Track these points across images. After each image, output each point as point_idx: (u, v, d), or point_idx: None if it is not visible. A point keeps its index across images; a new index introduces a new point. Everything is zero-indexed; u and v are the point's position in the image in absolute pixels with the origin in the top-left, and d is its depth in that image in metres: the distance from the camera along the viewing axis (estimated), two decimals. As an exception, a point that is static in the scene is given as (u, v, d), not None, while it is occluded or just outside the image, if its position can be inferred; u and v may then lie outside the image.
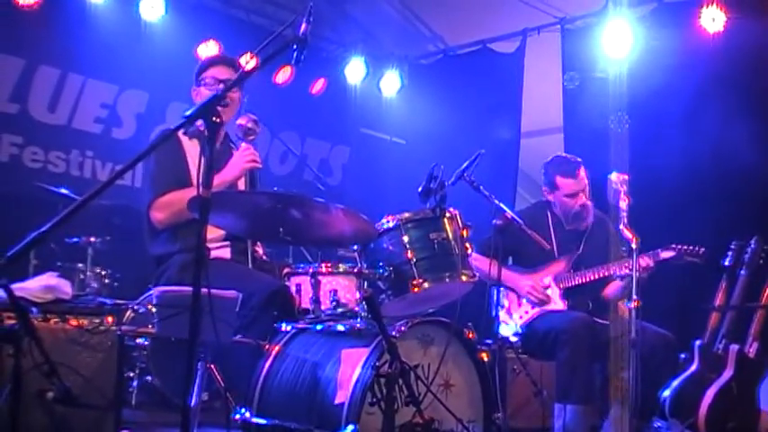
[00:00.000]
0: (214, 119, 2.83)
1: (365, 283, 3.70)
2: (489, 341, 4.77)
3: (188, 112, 2.82)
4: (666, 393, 5.06)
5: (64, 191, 6.01)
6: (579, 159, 5.47)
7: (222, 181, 4.22)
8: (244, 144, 4.32)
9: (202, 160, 2.81)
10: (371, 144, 9.29)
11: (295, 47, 3.14)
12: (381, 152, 9.17)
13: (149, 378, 5.03)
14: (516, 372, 5.71)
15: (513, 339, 5.34)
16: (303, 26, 3.15)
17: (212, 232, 4.30)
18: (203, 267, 2.77)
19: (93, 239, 5.92)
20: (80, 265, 6.03)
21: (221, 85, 4.40)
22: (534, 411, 5.74)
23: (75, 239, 5.96)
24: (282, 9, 8.33)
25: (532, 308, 5.34)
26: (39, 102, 7.18)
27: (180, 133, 4.38)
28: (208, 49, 7.60)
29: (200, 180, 2.83)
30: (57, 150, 7.25)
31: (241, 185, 4.42)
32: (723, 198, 6.14)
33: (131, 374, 5.54)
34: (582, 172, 5.42)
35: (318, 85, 8.58)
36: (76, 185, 6.75)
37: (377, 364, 2.97)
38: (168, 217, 4.23)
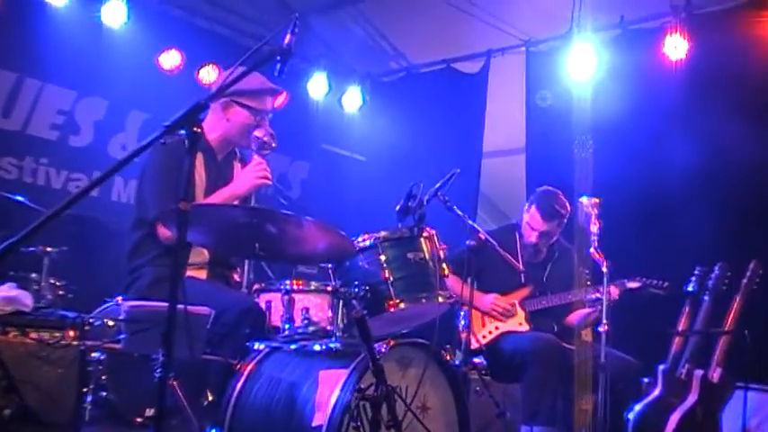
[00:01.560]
0: (195, 129, 2.74)
1: (340, 302, 3.61)
2: (457, 362, 4.72)
3: (168, 122, 2.72)
4: (631, 416, 5.06)
5: (20, 198, 5.81)
6: (564, 212, 5.47)
7: (231, 194, 4.09)
8: (256, 157, 4.19)
9: (183, 172, 2.70)
10: (332, 160, 9.20)
11: (279, 58, 3.06)
12: (341, 168, 9.09)
13: (104, 393, 4.88)
14: (479, 393, 5.65)
15: (477, 360, 5.29)
16: (288, 37, 3.08)
17: (196, 255, 4.16)
18: (180, 282, 2.67)
19: (49, 249, 5.72)
20: (33, 275, 5.81)
21: (265, 120, 4.30)
22: (496, 434, 5.70)
23: (31, 249, 5.75)
24: (246, 20, 8.23)
25: (495, 328, 5.30)
26: (-7, 106, 6.98)
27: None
28: (170, 59, 7.48)
29: (181, 192, 2.73)
30: (9, 156, 7.03)
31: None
32: (688, 222, 6.18)
33: (85, 389, 5.38)
34: (555, 223, 5.43)
35: (280, 99, 8.45)
36: (29, 193, 6.54)
37: (361, 386, 2.87)
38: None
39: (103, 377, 4.89)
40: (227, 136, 4.34)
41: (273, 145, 4.15)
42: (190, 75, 7.59)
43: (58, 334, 3.60)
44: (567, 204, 5.48)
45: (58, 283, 5.84)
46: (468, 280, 4.48)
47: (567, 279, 5.30)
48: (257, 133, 4.12)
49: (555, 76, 7.32)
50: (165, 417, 2.72)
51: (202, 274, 4.16)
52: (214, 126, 4.35)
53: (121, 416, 4.87)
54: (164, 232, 4.03)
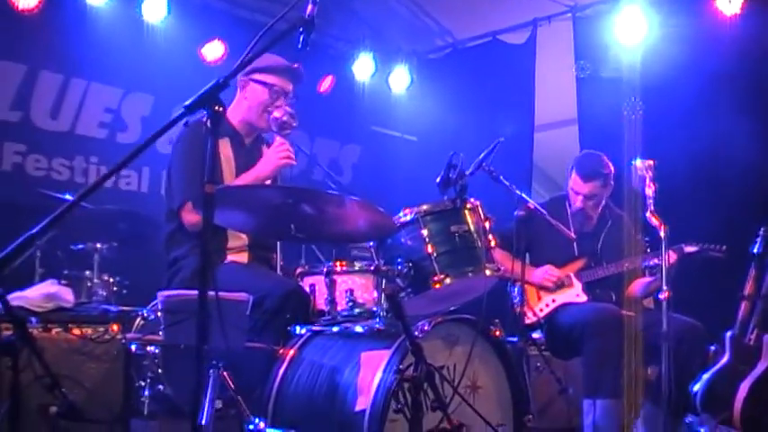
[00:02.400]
0: (217, 108, 2.65)
1: (383, 281, 3.49)
2: (514, 338, 4.58)
3: (188, 102, 2.63)
4: (697, 387, 4.86)
5: (68, 197, 5.83)
6: (606, 171, 5.28)
7: (255, 177, 4.03)
8: (278, 138, 4.12)
9: (207, 153, 2.61)
10: (382, 142, 9.09)
11: (301, 29, 2.95)
12: (392, 150, 8.97)
13: (161, 387, 4.86)
14: (540, 369, 5.51)
15: (536, 335, 5.14)
16: (309, 7, 2.97)
17: (235, 240, 4.11)
18: (210, 269, 2.58)
19: (98, 246, 5.73)
20: (87, 272, 5.85)
21: (282, 99, 4.22)
22: (559, 410, 5.55)
23: (80, 246, 5.78)
24: (287, 7, 8.15)
25: (552, 301, 5.14)
26: (41, 108, 7.00)
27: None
28: (213, 50, 7.44)
29: (207, 175, 2.64)
30: (60, 157, 7.08)
31: None
32: (748, 184, 5.94)
33: (143, 383, 5.38)
34: (597, 183, 5.23)
35: (326, 84, 8.40)
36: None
37: (400, 367, 2.75)
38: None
39: (159, 370, 4.92)
40: (247, 117, 4.28)
41: (294, 124, 4.08)
42: (234, 65, 7.54)
43: (101, 328, 3.56)
44: (610, 165, 5.30)
45: (111, 280, 5.86)
46: (520, 251, 4.31)
47: (621, 247, 5.10)
48: (276, 113, 4.04)
49: (603, 42, 7.09)
50: (203, 408, 2.63)
51: (244, 258, 4.10)
52: (236, 109, 4.32)
53: (179, 409, 4.88)
54: (189, 219, 4.01)
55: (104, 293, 5.76)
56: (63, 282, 5.64)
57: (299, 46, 3.01)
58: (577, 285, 5.16)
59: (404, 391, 2.74)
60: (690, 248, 5.12)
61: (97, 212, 5.71)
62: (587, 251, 5.23)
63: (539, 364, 5.47)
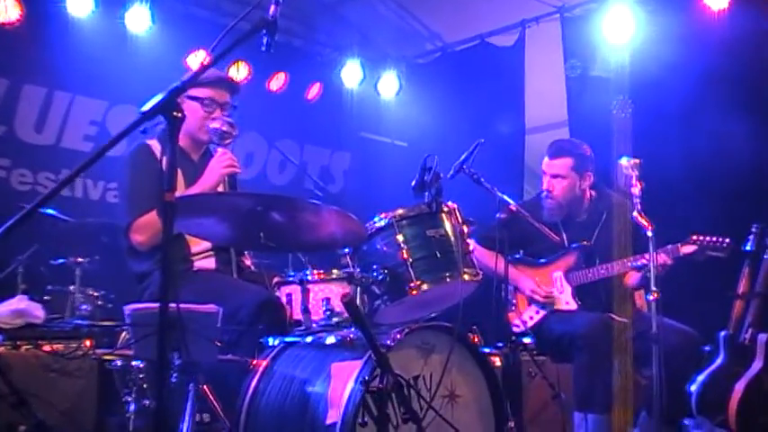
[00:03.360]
0: (175, 114, 2.56)
1: (357, 289, 3.39)
2: (501, 344, 4.49)
3: (145, 107, 2.55)
4: (693, 389, 4.77)
5: (51, 211, 5.75)
6: (578, 151, 5.18)
7: (201, 189, 4.00)
8: (220, 149, 4.10)
9: (164, 160, 2.53)
10: (372, 148, 9.04)
11: (264, 31, 2.86)
12: (383, 156, 8.90)
13: (146, 402, 4.78)
14: (532, 375, 5.41)
15: (527, 341, 5.03)
16: (272, 8, 2.88)
17: (197, 244, 4.10)
18: (173, 281, 2.49)
19: (80, 260, 5.64)
20: (71, 287, 5.76)
21: (219, 110, 4.20)
22: (553, 416, 5.43)
23: (60, 261, 5.69)
24: (273, 15, 8.09)
25: (542, 307, 5.04)
26: (25, 122, 6.95)
27: (155, 146, 4.14)
28: (198, 59, 7.36)
29: (166, 183, 2.55)
30: (46, 171, 7.01)
31: None
32: (740, 181, 5.85)
33: (128, 398, 5.29)
34: (561, 160, 5.12)
35: (314, 91, 8.34)
36: (68, 206, 6.51)
37: (365, 378, 2.65)
38: (150, 238, 4.00)
39: (144, 385, 4.83)
40: (188, 132, 4.26)
41: (234, 133, 4.07)
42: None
43: (73, 344, 3.47)
44: (587, 150, 5.20)
45: (95, 294, 5.77)
46: (503, 254, 4.21)
47: (616, 241, 4.97)
48: (214, 125, 4.03)
49: (592, 42, 7.03)
50: (165, 422, 2.54)
51: (210, 263, 4.07)
52: None
53: (166, 423, 4.78)
54: (136, 239, 4.04)
55: (89, 308, 5.66)
56: (46, 297, 5.59)
57: (263, 48, 2.93)
58: (567, 291, 5.04)
59: (370, 403, 2.64)
60: (686, 249, 4.94)
61: (78, 226, 5.63)
62: (578, 245, 5.10)
63: (530, 370, 5.37)
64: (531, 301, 5.05)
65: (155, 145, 4.16)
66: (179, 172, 4.11)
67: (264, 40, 2.93)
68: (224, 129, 4.00)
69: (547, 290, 5.00)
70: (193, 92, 4.21)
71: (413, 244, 3.45)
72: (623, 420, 4.59)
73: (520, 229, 4.74)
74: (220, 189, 4.14)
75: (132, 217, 4.03)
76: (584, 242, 5.07)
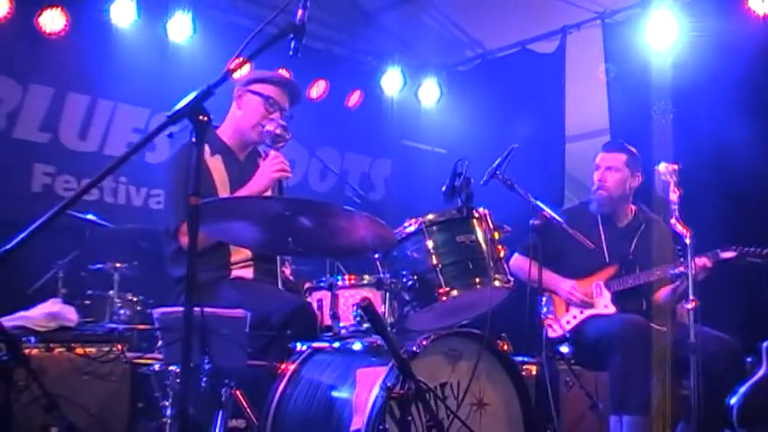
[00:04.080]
0: (201, 117, 2.57)
1: (387, 295, 3.37)
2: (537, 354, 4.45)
3: (171, 111, 2.56)
4: (734, 401, 4.66)
5: (91, 217, 5.83)
6: (631, 150, 5.22)
7: (250, 192, 3.96)
8: (272, 152, 4.03)
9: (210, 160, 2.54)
10: (413, 155, 9.01)
11: (292, 36, 2.87)
12: (423, 163, 8.85)
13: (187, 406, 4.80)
14: (569, 385, 5.34)
15: (565, 350, 4.97)
16: (300, 12, 2.88)
17: (238, 253, 4.06)
18: (195, 285, 2.50)
19: (118, 265, 5.70)
20: (111, 292, 5.83)
21: (278, 113, 4.17)
22: (590, 426, 5.37)
23: (99, 266, 5.76)
24: (315, 23, 8.12)
25: (580, 312, 4.98)
26: (69, 130, 7.07)
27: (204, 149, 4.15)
28: (240, 69, 7.39)
29: (191, 187, 2.57)
30: (89, 178, 7.04)
31: None
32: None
33: (165, 403, 5.32)
34: (617, 155, 5.17)
35: (354, 98, 8.36)
36: (111, 212, 6.60)
37: (387, 384, 2.62)
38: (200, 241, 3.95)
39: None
40: (239, 129, 4.23)
41: (288, 137, 3.99)
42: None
43: (105, 348, 3.50)
44: (637, 153, 5.21)
45: (134, 299, 5.83)
46: (537, 260, 4.16)
47: (654, 252, 4.92)
48: (269, 127, 3.97)
49: (634, 48, 6.94)
50: (187, 426, 2.54)
51: (249, 273, 4.03)
52: (227, 123, 4.29)
53: (202, 429, 4.81)
54: (185, 240, 3.91)
55: (127, 312, 5.72)
56: (86, 302, 5.66)
57: (291, 53, 2.93)
58: (606, 296, 4.99)
59: (394, 410, 2.61)
60: (726, 254, 4.89)
61: (117, 232, 5.69)
62: (618, 256, 5.05)
63: (568, 379, 5.31)
64: (568, 302, 4.99)
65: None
66: (224, 172, 4.14)
67: (292, 45, 2.93)
68: (277, 132, 3.95)
69: (586, 292, 4.95)
70: (257, 87, 4.19)
71: (443, 250, 3.42)
72: (660, 428, 4.51)
73: (556, 238, 4.70)
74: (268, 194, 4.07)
75: (179, 219, 3.94)
76: (624, 255, 5.03)
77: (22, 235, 2.45)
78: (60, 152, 6.99)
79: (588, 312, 4.95)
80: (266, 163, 4.02)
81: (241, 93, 4.23)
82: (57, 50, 6.77)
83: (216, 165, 4.11)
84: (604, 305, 4.97)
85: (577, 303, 4.94)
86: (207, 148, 4.13)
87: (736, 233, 4.92)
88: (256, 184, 3.98)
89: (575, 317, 4.99)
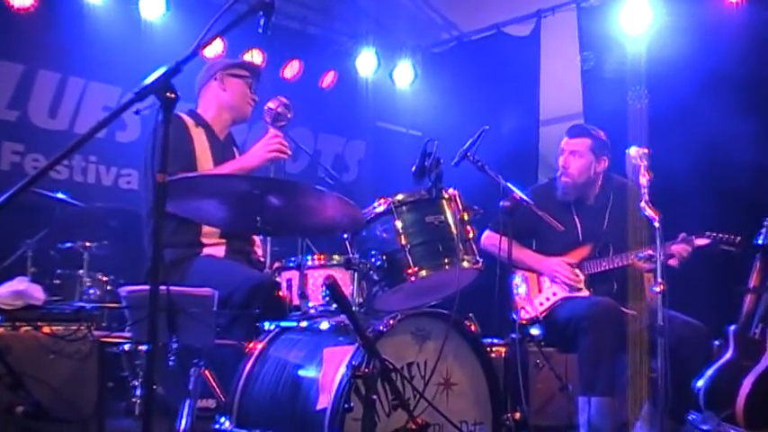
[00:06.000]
0: (169, 95, 2.55)
1: (356, 275, 3.36)
2: (513, 335, 4.47)
3: (138, 88, 2.54)
4: (700, 384, 4.70)
5: (61, 195, 5.77)
6: (596, 134, 5.22)
7: (240, 168, 3.93)
8: (272, 130, 3.99)
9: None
10: (387, 137, 9.00)
11: (261, 13, 2.84)
12: (397, 145, 8.83)
13: (153, 386, 4.78)
14: (539, 366, 5.38)
15: (535, 332, 4.99)
16: (269, -11, 2.85)
17: (210, 231, 4.03)
18: (161, 263, 2.49)
19: (88, 244, 5.66)
20: (80, 271, 5.79)
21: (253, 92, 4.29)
22: (560, 407, 5.41)
23: (68, 245, 5.71)
24: (288, 1, 8.08)
25: (553, 294, 4.99)
26: (39, 107, 6.98)
27: (186, 118, 4.15)
28: (213, 47, 7.34)
29: (156, 163, 2.54)
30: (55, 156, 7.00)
31: None
32: (753, 174, 5.77)
33: (135, 383, 5.30)
34: (581, 139, 5.16)
35: (329, 79, 8.31)
36: (81, 191, 6.53)
37: (353, 363, 2.62)
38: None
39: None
40: (227, 107, 4.27)
41: (289, 116, 3.95)
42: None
43: (73, 326, 3.47)
44: (602, 133, 5.23)
45: (104, 278, 5.79)
46: (508, 242, 4.16)
47: (626, 228, 4.92)
48: (270, 104, 3.92)
49: (608, 33, 6.95)
50: (152, 410, 2.52)
51: (220, 251, 4.01)
52: (209, 103, 4.32)
53: (171, 408, 4.80)
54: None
55: (97, 292, 5.68)
56: (55, 281, 5.62)
57: (260, 30, 2.91)
58: (580, 278, 5.01)
59: (359, 388, 2.61)
60: (700, 241, 4.92)
61: (86, 211, 5.64)
62: (591, 235, 5.06)
63: (538, 361, 5.34)
64: (553, 280, 4.99)
65: (186, 118, 4.16)
66: (206, 144, 4.13)
67: (261, 22, 2.90)
68: (279, 110, 3.93)
69: (573, 270, 4.96)
70: (237, 71, 4.33)
71: (411, 230, 3.41)
72: (630, 409, 4.56)
73: (527, 219, 4.71)
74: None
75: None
76: (598, 233, 5.05)
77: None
78: (29, 130, 6.91)
79: (561, 294, 4.97)
80: (264, 141, 3.98)
81: (222, 76, 4.29)
82: (26, 26, 6.67)
83: (199, 136, 4.12)
84: (578, 288, 4.98)
85: (565, 281, 4.94)
86: (191, 120, 4.16)
87: (710, 219, 4.95)
88: (249, 161, 3.96)
89: (548, 298, 5.00)
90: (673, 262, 4.78)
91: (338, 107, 8.48)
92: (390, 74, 8.53)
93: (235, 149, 4.36)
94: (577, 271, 5.01)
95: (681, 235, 4.90)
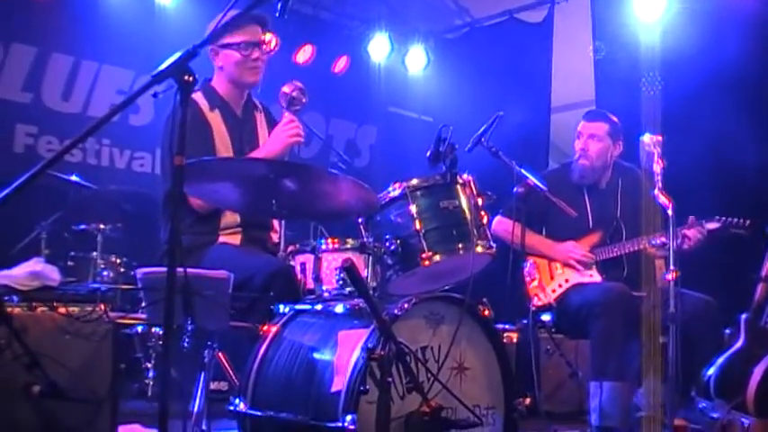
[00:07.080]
0: (186, 77, 2.55)
1: (370, 259, 3.38)
2: (524, 321, 4.47)
3: (156, 71, 2.54)
4: (711, 372, 4.70)
5: (75, 178, 5.82)
6: (613, 120, 5.22)
7: (265, 156, 3.87)
8: (287, 115, 3.94)
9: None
10: (399, 123, 9.02)
11: (278, -5, 2.84)
12: (409, 130, 8.86)
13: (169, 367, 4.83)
14: (550, 352, 5.40)
15: (546, 318, 5.00)
16: (288, -28, 2.84)
17: (228, 219, 4.02)
18: (178, 244, 2.50)
19: (101, 226, 5.70)
20: (94, 253, 5.83)
21: (257, 51, 4.09)
22: (570, 393, 5.46)
23: (82, 227, 5.75)
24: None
25: (566, 281, 4.99)
26: (52, 90, 7.05)
27: (201, 102, 4.07)
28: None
29: (176, 146, 2.54)
30: (72, 139, 7.03)
31: None
32: (765, 163, 5.76)
33: (148, 364, 5.34)
34: (599, 123, 5.16)
35: (341, 64, 8.33)
36: (94, 174, 6.57)
37: (368, 346, 2.64)
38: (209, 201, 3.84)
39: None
40: (231, 80, 4.16)
41: (304, 100, 3.91)
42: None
43: (88, 308, 3.49)
44: (616, 120, 5.21)
45: (118, 260, 5.83)
46: (520, 229, 4.17)
47: (638, 213, 4.92)
48: (285, 89, 3.89)
49: (622, 19, 6.93)
50: (168, 390, 2.54)
51: (236, 239, 3.99)
52: (218, 79, 4.21)
53: (184, 390, 4.83)
54: (194, 201, 3.86)
55: (110, 274, 5.73)
56: (69, 263, 5.66)
57: (277, 14, 2.91)
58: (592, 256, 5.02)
59: (375, 372, 2.63)
60: (711, 225, 4.93)
61: (100, 193, 5.69)
62: (603, 221, 5.06)
63: (548, 347, 5.36)
64: (566, 264, 5.00)
65: (199, 98, 4.06)
66: (224, 129, 4.07)
67: (279, 6, 2.90)
68: (294, 94, 3.86)
69: (585, 252, 4.97)
70: (226, 40, 4.08)
71: (426, 215, 3.41)
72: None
73: (539, 204, 4.71)
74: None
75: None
76: (609, 219, 5.05)
77: (3, 194, 2.42)
78: (43, 112, 6.97)
79: (574, 280, 4.97)
80: (281, 127, 3.94)
81: (215, 52, 4.15)
82: (41, 10, 6.72)
83: (215, 120, 4.05)
84: (590, 273, 4.99)
85: (578, 263, 4.94)
86: (206, 102, 4.09)
87: (722, 204, 4.95)
88: (271, 148, 3.91)
89: (560, 285, 5.00)
90: (686, 245, 4.78)
91: (350, 92, 8.50)
92: (403, 59, 8.56)
93: (258, 115, 4.28)
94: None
95: (690, 218, 4.91)
